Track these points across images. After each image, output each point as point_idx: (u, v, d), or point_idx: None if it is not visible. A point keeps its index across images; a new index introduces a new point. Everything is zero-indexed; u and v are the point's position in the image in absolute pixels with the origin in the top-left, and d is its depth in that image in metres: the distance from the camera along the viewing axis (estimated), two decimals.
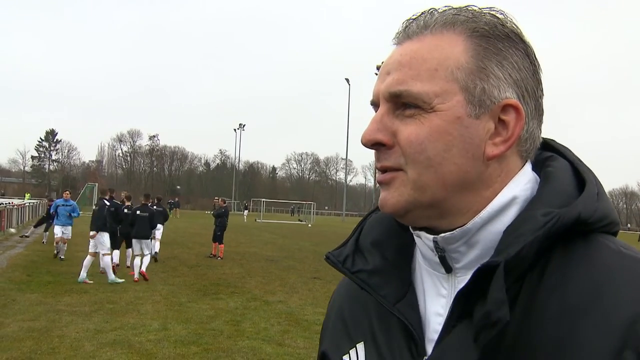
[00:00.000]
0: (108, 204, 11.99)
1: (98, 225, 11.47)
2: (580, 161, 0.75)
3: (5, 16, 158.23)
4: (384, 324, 0.77)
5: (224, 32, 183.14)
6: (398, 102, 0.71)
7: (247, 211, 56.53)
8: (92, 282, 10.73)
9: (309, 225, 47.95)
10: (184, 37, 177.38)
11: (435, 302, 0.73)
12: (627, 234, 65.08)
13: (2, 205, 23.23)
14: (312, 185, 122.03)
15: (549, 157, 0.76)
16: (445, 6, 0.73)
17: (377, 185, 0.75)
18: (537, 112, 0.73)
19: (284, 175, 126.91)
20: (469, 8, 0.72)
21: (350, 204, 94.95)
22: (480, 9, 0.72)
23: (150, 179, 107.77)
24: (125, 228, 12.25)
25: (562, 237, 0.66)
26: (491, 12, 0.72)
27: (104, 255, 11.30)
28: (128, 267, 12.04)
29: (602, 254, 0.65)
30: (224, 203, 17.75)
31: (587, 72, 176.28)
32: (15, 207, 25.49)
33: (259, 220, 50.32)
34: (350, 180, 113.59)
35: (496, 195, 0.70)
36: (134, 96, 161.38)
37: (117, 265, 12.26)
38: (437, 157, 0.68)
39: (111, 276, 11.04)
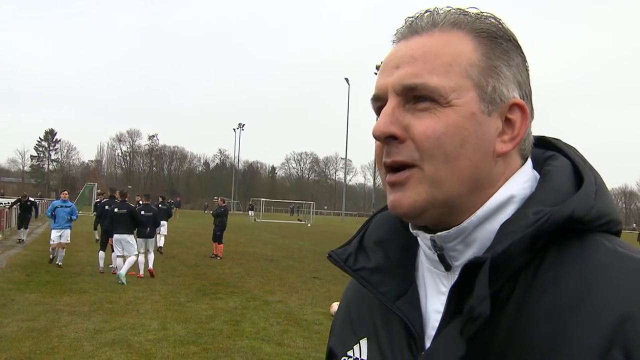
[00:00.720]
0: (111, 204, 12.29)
1: (129, 228, 11.79)
2: (583, 160, 0.75)
3: (6, 16, 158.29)
4: (386, 321, 0.79)
5: (223, 32, 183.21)
6: (409, 96, 0.70)
7: (252, 212, 54.11)
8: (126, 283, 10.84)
9: (309, 225, 47.96)
10: (184, 37, 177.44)
11: (436, 299, 0.74)
12: (630, 233, 65.10)
13: (0, 205, 22.98)
14: (312, 185, 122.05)
15: (551, 156, 0.77)
16: (448, 7, 0.74)
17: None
18: (531, 115, 0.75)
19: (283, 175, 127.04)
20: (471, 10, 0.73)
21: (349, 203, 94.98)
22: (481, 12, 0.73)
23: (150, 179, 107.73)
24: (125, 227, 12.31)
25: (558, 235, 0.66)
26: (492, 16, 0.73)
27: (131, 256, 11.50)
28: (114, 272, 11.90)
29: (596, 253, 0.65)
30: (224, 203, 17.75)
31: (588, 72, 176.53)
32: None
33: (259, 220, 50.33)
34: (350, 180, 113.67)
35: None
36: (134, 96, 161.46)
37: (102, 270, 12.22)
38: (453, 151, 0.68)
39: (123, 272, 11.10)
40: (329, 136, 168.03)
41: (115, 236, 11.65)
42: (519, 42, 0.74)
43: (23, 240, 18.59)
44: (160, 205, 16.79)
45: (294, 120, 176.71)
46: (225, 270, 13.49)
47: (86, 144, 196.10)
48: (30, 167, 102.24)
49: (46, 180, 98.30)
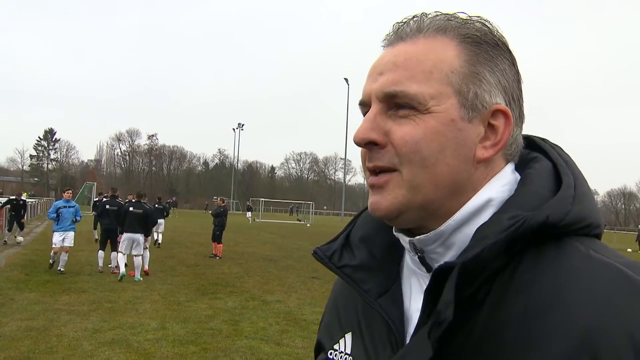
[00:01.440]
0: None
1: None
2: (566, 162, 0.75)
3: (6, 16, 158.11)
4: (368, 317, 0.80)
5: (223, 32, 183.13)
6: (391, 103, 0.71)
7: (250, 213, 52.73)
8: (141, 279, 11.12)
9: (308, 225, 47.98)
10: (184, 37, 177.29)
11: (418, 298, 0.75)
12: (628, 234, 65.09)
13: None
14: (311, 185, 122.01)
15: (534, 158, 0.77)
16: (436, 12, 0.74)
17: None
18: (520, 119, 0.75)
19: (282, 174, 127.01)
20: (459, 15, 0.73)
21: (348, 203, 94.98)
22: (469, 16, 0.74)
23: (149, 178, 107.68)
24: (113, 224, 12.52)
25: (535, 239, 0.67)
26: (480, 20, 0.73)
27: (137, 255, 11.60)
28: (114, 272, 11.95)
29: (570, 257, 0.66)
30: (223, 202, 17.75)
31: (587, 73, 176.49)
32: None
33: (258, 220, 50.31)
34: (349, 180, 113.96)
35: None
36: (133, 96, 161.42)
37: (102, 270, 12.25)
38: (431, 157, 0.69)
39: (137, 275, 11.37)
40: (329, 136, 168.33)
41: (127, 234, 11.62)
42: (509, 46, 0.74)
43: (20, 242, 17.47)
44: (157, 206, 17.25)
45: (293, 120, 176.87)
46: (224, 270, 13.49)
47: (85, 144, 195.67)
48: (29, 166, 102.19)
49: (45, 180, 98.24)
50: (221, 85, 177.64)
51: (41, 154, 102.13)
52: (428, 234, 0.71)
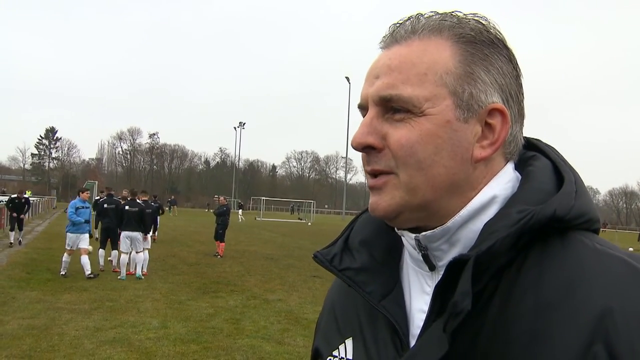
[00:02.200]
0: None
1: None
2: (563, 160, 0.76)
3: (6, 16, 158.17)
4: (371, 320, 0.80)
5: (225, 31, 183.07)
6: (387, 106, 0.72)
7: (241, 210, 49.95)
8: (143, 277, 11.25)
9: (309, 223, 47.97)
10: (186, 36, 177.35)
11: (420, 299, 0.75)
12: (630, 233, 65.05)
13: (1, 202, 22.67)
14: (312, 184, 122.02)
15: (532, 156, 0.77)
16: (431, 11, 0.74)
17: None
18: (520, 116, 0.75)
19: (283, 173, 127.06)
20: (454, 14, 0.73)
21: (350, 202, 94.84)
22: (465, 14, 0.73)
23: (150, 177, 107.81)
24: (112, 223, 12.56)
25: (540, 234, 0.67)
26: (475, 18, 0.73)
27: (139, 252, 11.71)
28: (114, 270, 12.01)
29: (577, 251, 0.67)
30: (225, 201, 17.73)
31: (587, 73, 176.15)
32: None
33: (259, 219, 50.31)
34: (350, 179, 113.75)
35: None
36: (135, 94, 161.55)
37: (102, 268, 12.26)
38: (427, 159, 0.69)
39: (139, 272, 11.51)
40: (330, 135, 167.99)
41: (126, 233, 11.66)
42: (506, 42, 0.73)
43: (20, 242, 16.99)
44: (152, 203, 16.86)
45: (294, 118, 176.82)
46: (225, 269, 13.49)
47: (87, 142, 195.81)
48: (31, 165, 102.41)
49: (47, 178, 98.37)
50: (222, 84, 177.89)
51: (43, 153, 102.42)
52: (434, 229, 0.72)
